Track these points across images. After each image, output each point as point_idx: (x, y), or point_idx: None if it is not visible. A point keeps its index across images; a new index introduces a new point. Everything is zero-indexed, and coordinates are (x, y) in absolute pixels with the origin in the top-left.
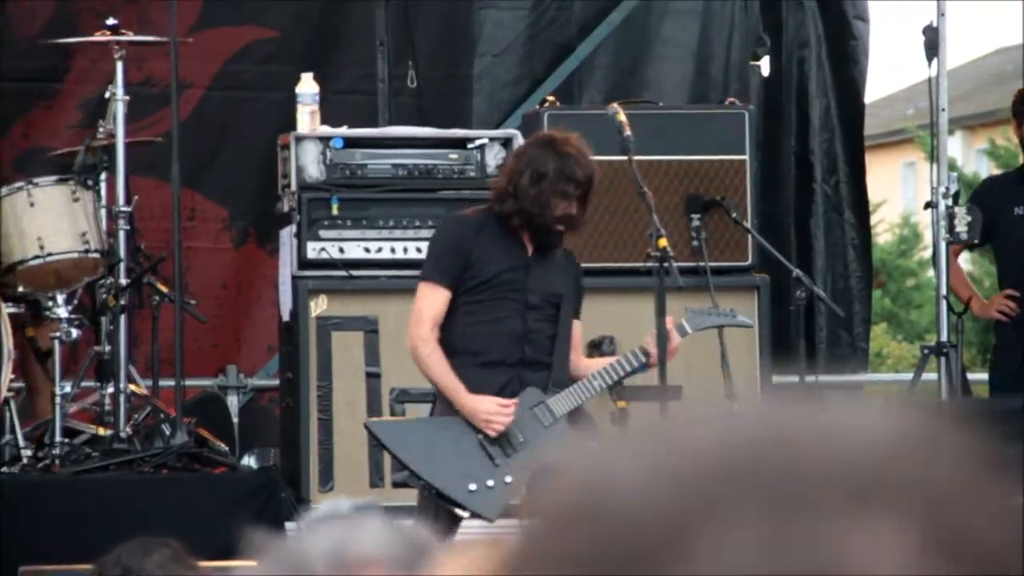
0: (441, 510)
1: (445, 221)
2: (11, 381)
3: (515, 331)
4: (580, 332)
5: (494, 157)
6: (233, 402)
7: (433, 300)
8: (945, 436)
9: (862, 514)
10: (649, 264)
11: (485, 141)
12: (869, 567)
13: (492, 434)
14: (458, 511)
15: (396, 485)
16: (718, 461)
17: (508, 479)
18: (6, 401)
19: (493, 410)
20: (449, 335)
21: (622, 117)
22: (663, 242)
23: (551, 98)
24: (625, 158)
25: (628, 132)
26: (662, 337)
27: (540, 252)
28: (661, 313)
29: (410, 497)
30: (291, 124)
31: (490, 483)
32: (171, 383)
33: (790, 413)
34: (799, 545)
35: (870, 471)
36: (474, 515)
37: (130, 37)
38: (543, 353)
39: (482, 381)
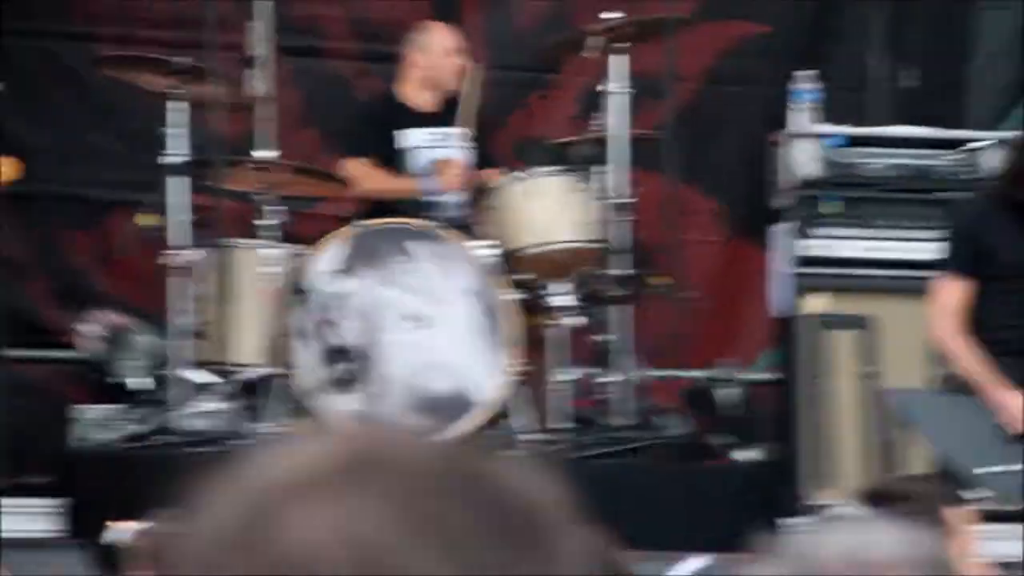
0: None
1: (955, 208)
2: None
3: None
4: None
5: (991, 159)
6: (726, 395)
7: (953, 291)
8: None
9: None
10: None
11: (983, 143)
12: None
13: (1011, 432)
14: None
15: None
16: None
17: (1018, 467)
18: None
19: (1020, 408)
20: (970, 322)
21: None
22: None
23: None
24: None
25: None
26: None
27: None
28: None
29: None
30: (781, 120)
31: (998, 468)
32: (666, 374)
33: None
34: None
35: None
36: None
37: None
38: None
39: (1002, 370)
